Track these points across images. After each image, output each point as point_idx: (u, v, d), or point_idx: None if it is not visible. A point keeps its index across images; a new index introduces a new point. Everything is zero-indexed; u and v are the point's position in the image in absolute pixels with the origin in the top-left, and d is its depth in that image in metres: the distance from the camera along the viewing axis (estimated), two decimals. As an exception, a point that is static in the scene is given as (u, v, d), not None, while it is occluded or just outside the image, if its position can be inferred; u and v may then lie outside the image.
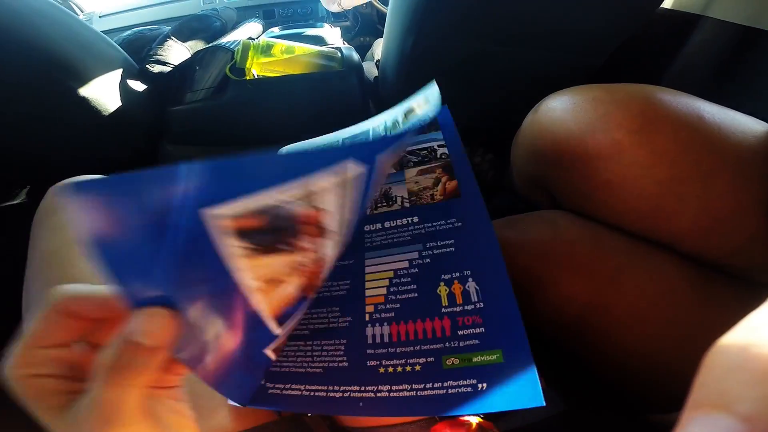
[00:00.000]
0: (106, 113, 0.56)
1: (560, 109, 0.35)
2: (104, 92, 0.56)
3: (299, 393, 0.26)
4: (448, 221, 0.29)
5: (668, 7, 0.61)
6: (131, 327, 0.15)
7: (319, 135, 0.47)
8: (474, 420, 0.25)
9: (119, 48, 0.64)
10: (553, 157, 0.35)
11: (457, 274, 0.26)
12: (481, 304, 0.25)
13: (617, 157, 0.31)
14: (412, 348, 0.25)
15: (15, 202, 0.65)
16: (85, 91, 0.53)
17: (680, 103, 0.31)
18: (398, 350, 0.25)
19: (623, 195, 0.32)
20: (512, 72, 0.59)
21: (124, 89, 0.60)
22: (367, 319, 0.27)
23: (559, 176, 0.37)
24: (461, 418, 0.25)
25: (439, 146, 0.35)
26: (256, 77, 0.65)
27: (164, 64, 0.65)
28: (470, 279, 0.26)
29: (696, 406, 0.11)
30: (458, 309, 0.25)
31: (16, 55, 0.49)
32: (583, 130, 0.32)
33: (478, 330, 0.24)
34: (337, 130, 0.46)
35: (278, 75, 0.67)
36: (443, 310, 0.25)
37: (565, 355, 0.36)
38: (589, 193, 0.34)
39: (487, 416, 0.26)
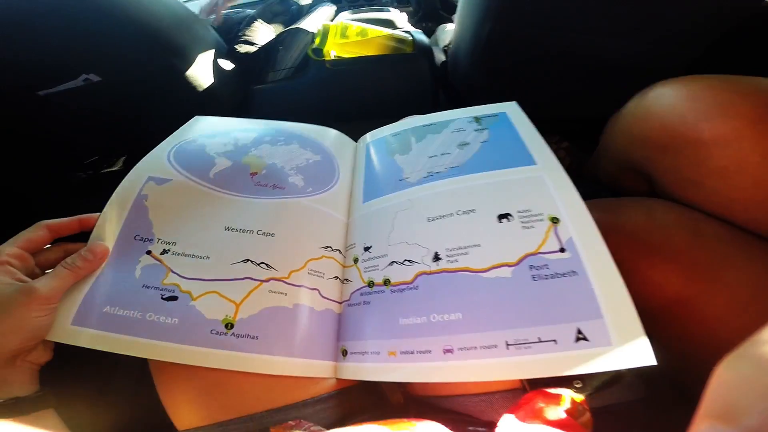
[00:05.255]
0: (200, 89, 0.60)
1: (673, 96, 0.35)
2: (200, 70, 0.60)
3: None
4: None
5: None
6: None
7: (390, 116, 0.49)
8: (567, 393, 0.25)
9: (211, 28, 0.68)
10: (661, 142, 0.35)
11: None
12: None
13: (736, 145, 0.30)
14: None
15: (113, 170, 0.72)
16: (185, 68, 0.57)
17: None
18: None
19: (738, 182, 0.31)
20: (598, 63, 0.56)
21: (216, 68, 0.63)
22: None
23: (663, 161, 0.37)
24: (553, 390, 0.25)
25: None
26: (334, 58, 0.67)
27: (251, 44, 0.69)
28: None
29: (704, 416, 0.12)
30: None
31: (128, 33, 0.53)
32: (698, 117, 0.32)
33: None
34: (408, 112, 0.47)
35: (354, 57, 0.68)
36: None
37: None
38: (698, 180, 0.33)
39: (578, 390, 0.26)
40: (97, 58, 0.53)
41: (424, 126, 0.46)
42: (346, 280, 0.37)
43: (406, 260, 0.34)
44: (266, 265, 0.34)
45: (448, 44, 0.79)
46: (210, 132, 0.46)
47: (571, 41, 0.53)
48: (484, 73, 0.59)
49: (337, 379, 0.32)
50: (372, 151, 0.46)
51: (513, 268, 0.30)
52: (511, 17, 0.52)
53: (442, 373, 0.27)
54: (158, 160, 0.40)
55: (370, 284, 0.34)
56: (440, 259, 0.33)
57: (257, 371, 0.30)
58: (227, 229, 0.36)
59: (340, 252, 0.38)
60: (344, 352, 0.32)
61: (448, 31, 0.87)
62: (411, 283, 0.32)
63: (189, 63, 0.58)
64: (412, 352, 0.28)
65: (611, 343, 0.24)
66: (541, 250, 0.30)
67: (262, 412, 0.30)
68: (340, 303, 0.36)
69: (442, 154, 0.40)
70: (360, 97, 0.68)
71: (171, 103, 0.60)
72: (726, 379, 0.12)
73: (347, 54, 0.68)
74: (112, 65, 0.54)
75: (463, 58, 0.64)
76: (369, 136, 0.49)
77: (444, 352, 0.27)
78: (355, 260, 0.37)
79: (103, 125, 0.61)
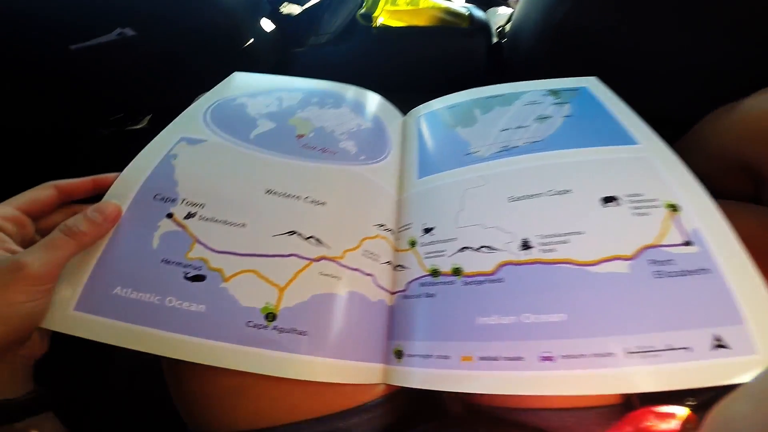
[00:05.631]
0: (238, 49, 0.56)
1: None
2: (240, 28, 0.56)
3: None
4: None
5: None
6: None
7: (435, 91, 0.45)
8: (680, 411, 0.22)
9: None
10: None
11: None
12: None
13: None
14: None
15: (137, 127, 0.69)
16: (226, 25, 0.53)
17: None
18: None
19: None
20: (696, 63, 0.49)
21: (257, 28, 0.60)
22: None
23: None
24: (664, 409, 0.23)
25: None
26: (381, 25, 0.62)
27: (297, 2, 0.64)
28: None
29: None
30: None
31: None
32: None
33: None
34: (454, 90, 0.43)
35: (403, 25, 0.63)
36: None
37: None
38: None
39: (692, 407, 0.23)
40: (134, 12, 0.49)
41: (488, 97, 0.41)
42: (400, 266, 0.31)
43: (483, 246, 0.29)
44: (316, 240, 0.28)
45: (502, 26, 0.75)
46: (251, 90, 0.41)
47: (663, 36, 0.46)
48: (550, 59, 0.54)
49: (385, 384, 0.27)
50: (425, 124, 0.42)
51: (630, 262, 0.25)
52: (593, 3, 0.46)
53: (538, 384, 0.23)
54: (193, 119, 0.35)
55: (434, 273, 0.29)
56: (531, 247, 0.27)
57: (305, 378, 0.24)
58: (269, 192, 0.30)
59: (392, 233, 0.33)
60: (398, 354, 0.27)
61: (501, 15, 0.83)
62: (492, 274, 0.27)
63: (231, 20, 0.53)
64: (496, 359, 0.24)
65: (755, 352, 0.21)
66: (662, 243, 0.25)
67: (299, 422, 0.25)
68: (393, 293, 0.30)
69: (517, 128, 0.36)
70: (405, 69, 0.64)
71: (206, 61, 0.57)
72: (725, 414, 0.12)
73: (397, 22, 0.63)
74: (148, 19, 0.50)
75: (526, 39, 0.59)
76: (423, 108, 0.44)
77: (541, 360, 0.23)
78: (412, 243, 0.31)
79: (133, 81, 0.57)
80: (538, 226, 0.28)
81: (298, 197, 0.30)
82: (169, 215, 0.28)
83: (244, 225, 0.28)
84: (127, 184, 0.29)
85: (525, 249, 0.27)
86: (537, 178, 0.31)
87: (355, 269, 0.29)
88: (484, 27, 0.64)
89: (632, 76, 0.50)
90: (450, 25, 0.64)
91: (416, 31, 0.63)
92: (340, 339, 0.26)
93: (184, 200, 0.29)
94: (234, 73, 0.43)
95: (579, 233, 0.27)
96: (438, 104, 0.43)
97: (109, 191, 0.29)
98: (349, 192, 0.32)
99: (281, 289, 0.26)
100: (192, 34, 0.52)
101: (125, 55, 0.53)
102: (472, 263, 0.28)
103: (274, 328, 0.25)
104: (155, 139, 0.33)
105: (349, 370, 0.26)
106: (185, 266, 0.26)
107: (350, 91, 0.43)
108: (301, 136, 0.35)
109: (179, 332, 0.24)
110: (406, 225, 0.33)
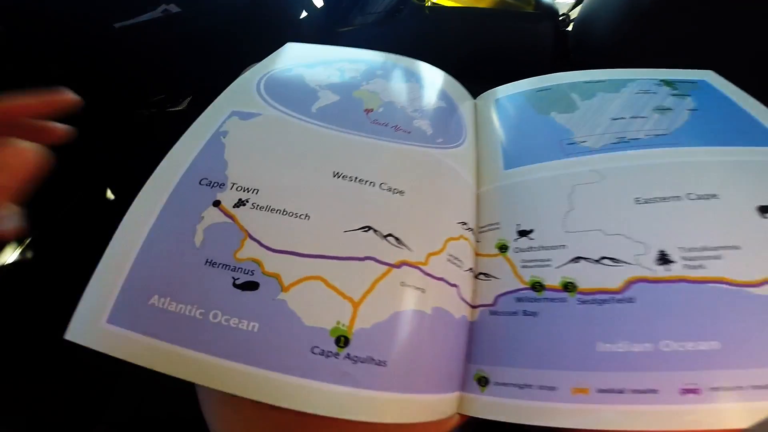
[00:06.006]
0: (283, 28, 0.55)
1: None
2: (287, 6, 0.54)
3: None
4: None
5: None
6: None
7: (491, 79, 0.40)
8: None
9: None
10: None
11: None
12: None
13: None
14: None
15: (177, 109, 0.66)
16: (273, 2, 0.51)
17: None
18: None
19: None
20: None
21: (303, 5, 0.57)
22: None
23: None
24: None
25: None
26: (434, 4, 0.57)
27: None
28: None
29: None
30: None
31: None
32: None
33: None
34: (514, 78, 0.39)
35: (460, 6, 0.58)
36: None
37: None
38: None
39: None
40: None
41: (586, 82, 0.36)
42: (485, 275, 0.26)
43: (604, 258, 0.23)
44: (396, 239, 0.23)
45: (566, 13, 0.69)
46: (308, 61, 0.35)
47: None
48: (632, 46, 0.49)
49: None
50: (507, 109, 0.36)
51: None
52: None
53: (677, 418, 0.19)
54: (244, 91, 0.30)
55: (536, 287, 0.24)
56: (671, 261, 0.22)
57: (379, 420, 0.19)
58: (337, 175, 0.25)
59: (473, 233, 0.27)
60: (482, 381, 0.23)
61: (561, 3, 0.77)
62: (619, 292, 0.22)
63: None
64: (622, 391, 0.20)
65: None
66: None
67: None
68: (474, 308, 0.25)
69: (632, 118, 0.31)
70: (460, 55, 0.58)
71: (249, 39, 0.53)
72: None
73: (451, 3, 0.58)
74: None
75: (602, 27, 0.54)
76: (500, 91, 0.39)
77: (683, 392, 0.20)
78: (502, 248, 0.26)
79: (176, 61, 0.55)
80: (679, 237, 0.23)
81: (372, 183, 0.24)
82: (216, 203, 0.22)
83: (307, 216, 0.22)
84: (173, 167, 0.24)
85: (663, 263, 0.22)
86: (670, 177, 0.26)
87: (440, 279, 0.23)
88: (551, 12, 0.58)
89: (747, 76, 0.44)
90: (513, 8, 0.58)
91: (474, 12, 0.58)
92: (420, 368, 0.21)
93: (234, 185, 0.23)
94: (287, 44, 0.38)
95: (734, 248, 0.22)
96: (515, 87, 0.38)
97: (153, 175, 0.24)
98: (431, 180, 0.27)
99: (356, 304, 0.20)
100: (238, 8, 0.50)
101: (169, 33, 0.50)
102: (589, 277, 0.23)
103: (347, 356, 0.19)
104: (204, 114, 0.28)
105: (425, 405, 0.21)
106: (234, 269, 0.20)
107: (417, 65, 0.38)
108: (369, 110, 0.30)
109: (226, 357, 0.18)
110: (490, 225, 0.28)
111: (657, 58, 0.43)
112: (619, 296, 0.22)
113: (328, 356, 0.19)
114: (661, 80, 0.34)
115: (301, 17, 0.55)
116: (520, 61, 0.57)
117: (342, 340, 0.19)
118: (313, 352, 0.19)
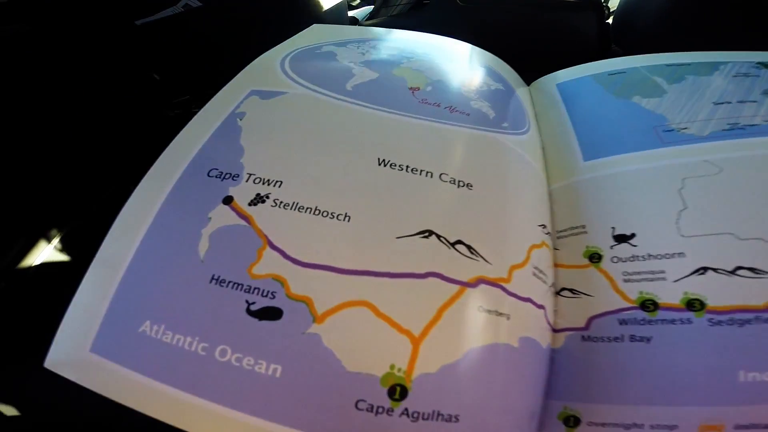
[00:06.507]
0: (305, 24, 0.49)
1: None
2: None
3: None
4: None
5: None
6: None
7: (532, 74, 0.37)
8: None
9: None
10: None
11: None
12: None
13: None
14: None
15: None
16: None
17: None
18: None
19: None
20: None
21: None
22: None
23: None
24: None
25: None
26: None
27: None
28: None
29: None
30: None
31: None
32: None
33: None
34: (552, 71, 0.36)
35: None
36: None
37: None
38: None
39: None
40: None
41: (669, 65, 0.33)
42: (571, 291, 0.21)
43: (740, 268, 0.20)
44: (468, 248, 0.17)
45: (605, 4, 0.66)
46: (338, 39, 0.31)
47: None
48: (675, 39, 0.47)
49: None
50: (573, 94, 0.32)
51: None
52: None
53: None
54: (267, 68, 0.26)
55: (647, 305, 0.20)
56: None
57: None
58: (383, 163, 0.19)
59: (550, 237, 0.22)
60: (570, 420, 0.19)
61: None
62: (765, 310, 0.19)
63: None
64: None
65: None
66: None
67: None
68: (558, 331, 0.21)
69: (740, 102, 0.28)
70: (494, 47, 0.53)
71: (272, 35, 0.49)
72: None
73: None
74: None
75: (645, 20, 0.52)
76: (562, 75, 0.34)
77: None
78: (593, 257, 0.22)
79: (199, 59, 0.53)
80: None
81: (430, 173, 0.19)
82: (228, 200, 0.17)
83: (346, 217, 0.17)
84: (176, 156, 0.20)
85: None
86: None
87: (527, 299, 0.18)
88: (597, 4, 0.55)
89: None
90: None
91: (511, 1, 0.55)
92: (502, 417, 0.16)
93: (251, 176, 0.18)
94: (313, 25, 0.34)
95: None
96: (579, 72, 0.34)
97: (154, 165, 0.20)
98: (502, 172, 0.22)
99: (416, 340, 0.15)
100: (259, 1, 0.48)
101: (190, 29, 0.48)
102: (722, 293, 0.19)
103: (405, 412, 0.14)
104: (217, 95, 0.24)
105: None
106: (249, 290, 0.16)
107: (463, 45, 0.34)
108: (415, 89, 0.25)
109: (236, 408, 0.14)
110: (573, 228, 0.23)
111: (709, 45, 0.40)
112: (766, 315, 0.18)
113: (378, 413, 0.14)
114: (759, 62, 0.31)
115: (326, 13, 0.51)
116: (556, 54, 0.52)
117: (398, 391, 0.15)
118: (358, 408, 0.14)
